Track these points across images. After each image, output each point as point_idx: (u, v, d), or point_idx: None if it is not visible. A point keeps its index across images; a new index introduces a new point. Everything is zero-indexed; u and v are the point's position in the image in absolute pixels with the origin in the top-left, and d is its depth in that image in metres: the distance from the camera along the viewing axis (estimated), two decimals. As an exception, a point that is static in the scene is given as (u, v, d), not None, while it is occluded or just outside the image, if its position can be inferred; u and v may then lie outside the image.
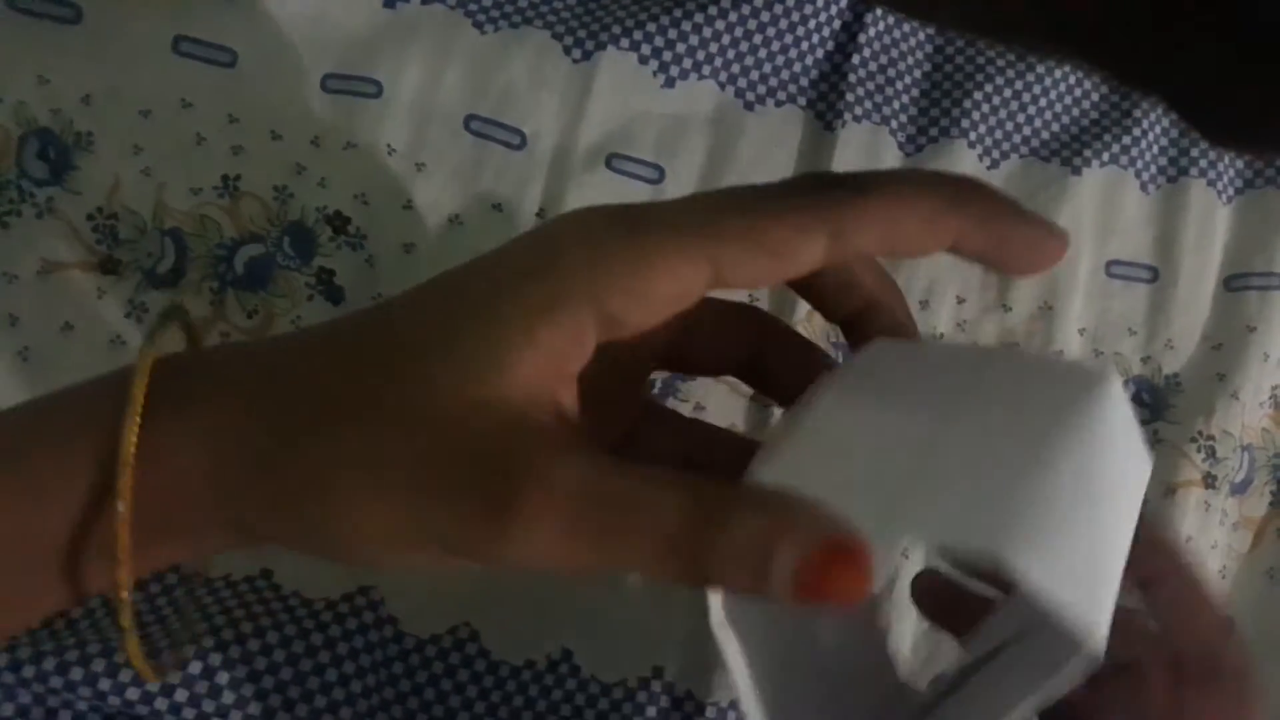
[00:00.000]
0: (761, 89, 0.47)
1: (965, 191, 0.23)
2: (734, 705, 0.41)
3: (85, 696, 0.34)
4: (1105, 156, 0.48)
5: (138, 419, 0.23)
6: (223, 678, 0.35)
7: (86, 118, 0.40)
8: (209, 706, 0.35)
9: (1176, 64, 0.17)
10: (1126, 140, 0.48)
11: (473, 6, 0.44)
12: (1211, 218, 0.48)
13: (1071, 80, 0.49)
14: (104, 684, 0.34)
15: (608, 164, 0.44)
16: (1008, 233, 0.23)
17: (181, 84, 0.41)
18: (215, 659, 0.35)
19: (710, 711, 0.41)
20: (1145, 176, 0.49)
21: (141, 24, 0.41)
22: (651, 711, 0.41)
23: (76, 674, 0.34)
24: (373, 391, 0.23)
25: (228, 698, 0.35)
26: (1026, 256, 0.24)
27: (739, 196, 0.23)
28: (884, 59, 0.48)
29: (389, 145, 0.42)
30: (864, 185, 0.23)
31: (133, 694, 0.34)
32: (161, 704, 0.35)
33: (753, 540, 0.20)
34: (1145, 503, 0.25)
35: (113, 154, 0.40)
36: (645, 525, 0.21)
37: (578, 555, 0.21)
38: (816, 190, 0.23)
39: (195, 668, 0.35)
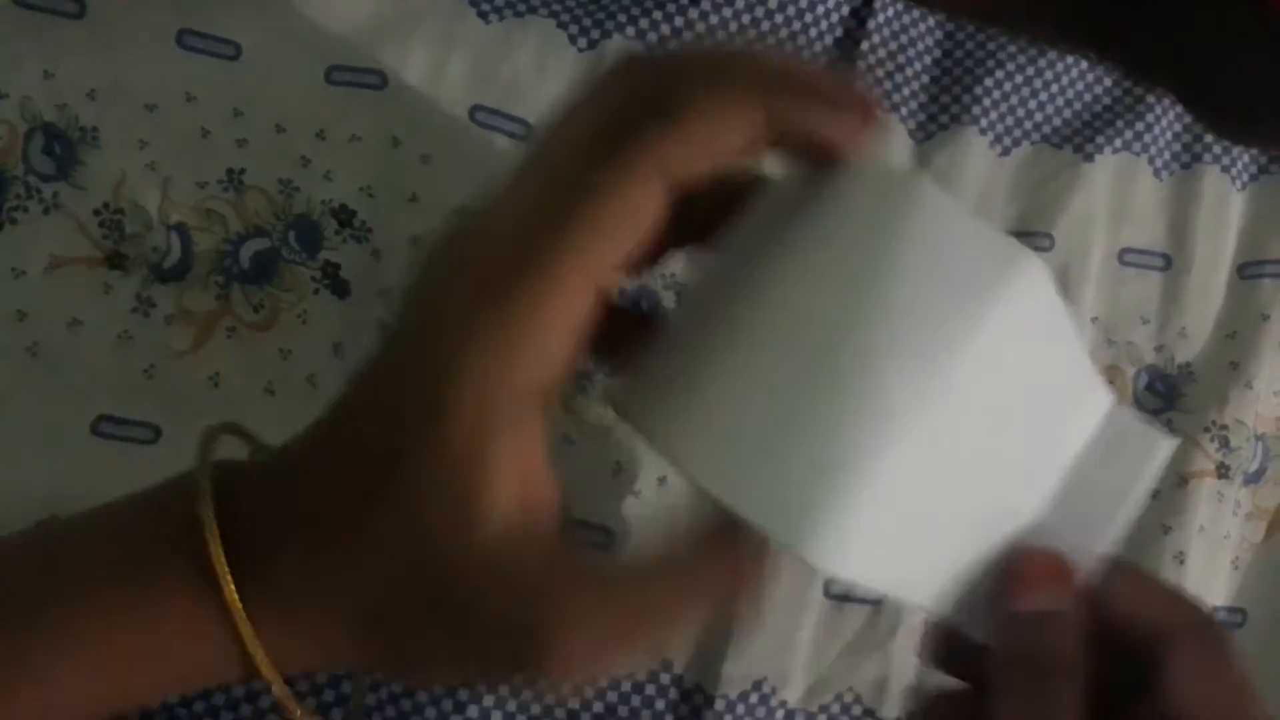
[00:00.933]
0: (770, 78, 0.46)
1: (779, 90, 0.23)
2: (743, 698, 0.41)
3: None
4: (1118, 143, 0.47)
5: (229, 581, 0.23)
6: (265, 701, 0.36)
7: (92, 112, 0.40)
8: None
9: (1182, 59, 0.17)
10: (1140, 126, 0.47)
11: (477, -5, 0.43)
12: (1225, 205, 0.48)
13: (1083, 66, 0.48)
14: None
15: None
16: (823, 131, 0.24)
17: (186, 77, 0.41)
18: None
19: (719, 704, 0.41)
20: (1159, 163, 0.48)
21: (145, 18, 0.41)
22: (660, 704, 0.41)
23: None
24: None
25: None
26: (841, 147, 0.24)
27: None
28: (893, 45, 0.47)
29: (394, 137, 0.42)
30: (676, 103, 0.23)
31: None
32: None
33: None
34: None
35: (118, 149, 0.40)
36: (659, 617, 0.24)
37: (611, 664, 0.24)
38: (630, 125, 0.23)
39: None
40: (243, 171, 0.41)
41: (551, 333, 0.22)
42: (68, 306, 0.39)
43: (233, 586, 0.23)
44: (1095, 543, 0.27)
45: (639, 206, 0.22)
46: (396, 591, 0.23)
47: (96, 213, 0.40)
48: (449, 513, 0.22)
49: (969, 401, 0.24)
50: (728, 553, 0.24)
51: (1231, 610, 0.46)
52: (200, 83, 0.41)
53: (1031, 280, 0.24)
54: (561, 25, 0.44)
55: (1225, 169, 0.48)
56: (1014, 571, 0.26)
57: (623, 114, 0.23)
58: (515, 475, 0.22)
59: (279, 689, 0.24)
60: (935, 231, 0.23)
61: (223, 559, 0.23)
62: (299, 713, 0.25)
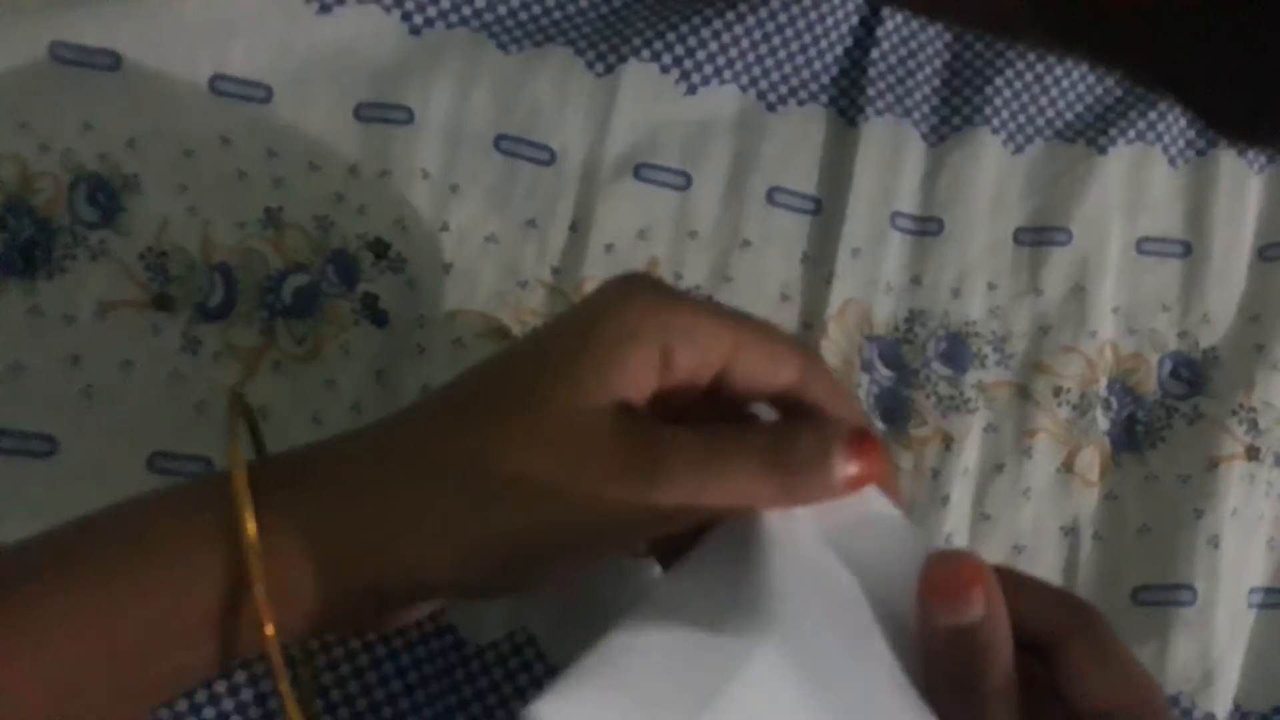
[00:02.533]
0: (783, 89, 0.47)
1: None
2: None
3: None
4: (1131, 134, 0.48)
5: (249, 507, 0.28)
6: (266, 685, 0.37)
7: (132, 160, 0.42)
8: (258, 711, 0.36)
9: (1183, 66, 0.18)
10: (1152, 115, 0.48)
11: (496, 28, 0.45)
12: (1243, 188, 0.48)
13: (1088, 67, 0.49)
14: None
15: (635, 174, 0.45)
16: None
17: (220, 122, 0.42)
18: (260, 668, 0.37)
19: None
20: (1173, 151, 0.49)
21: (178, 67, 0.42)
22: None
23: None
24: (502, 414, 0.29)
25: (273, 703, 0.36)
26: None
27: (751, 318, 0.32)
28: (903, 51, 0.48)
29: (423, 170, 0.43)
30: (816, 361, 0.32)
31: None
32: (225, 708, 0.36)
33: (816, 440, 0.29)
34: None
35: (159, 194, 0.42)
36: (744, 447, 0.29)
37: (704, 490, 0.28)
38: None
39: (268, 685, 0.36)
40: (280, 210, 0.42)
41: (695, 346, 0.30)
42: (118, 349, 0.40)
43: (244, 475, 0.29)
44: None
45: (781, 366, 0.32)
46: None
47: (141, 257, 0.41)
48: (574, 380, 0.29)
49: None
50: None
51: (1270, 591, 0.46)
52: (234, 126, 0.42)
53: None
54: (579, 52, 0.45)
55: (1241, 152, 0.48)
56: (933, 582, 0.29)
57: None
58: (636, 376, 0.29)
59: (259, 589, 0.27)
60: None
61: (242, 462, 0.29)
62: (270, 629, 0.28)
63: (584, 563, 0.32)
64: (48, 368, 0.40)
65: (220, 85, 0.43)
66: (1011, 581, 0.31)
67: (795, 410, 0.32)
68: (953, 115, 0.48)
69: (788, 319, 0.46)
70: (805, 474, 0.29)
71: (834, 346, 0.45)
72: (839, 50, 0.48)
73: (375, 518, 0.29)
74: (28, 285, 0.40)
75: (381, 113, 0.43)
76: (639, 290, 0.30)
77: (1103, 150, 0.48)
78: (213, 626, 0.28)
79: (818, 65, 0.48)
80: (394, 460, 0.30)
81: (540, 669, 0.41)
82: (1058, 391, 0.46)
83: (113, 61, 0.42)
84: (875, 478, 0.30)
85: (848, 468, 0.29)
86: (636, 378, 0.29)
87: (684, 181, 0.46)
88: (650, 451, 0.28)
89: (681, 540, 0.31)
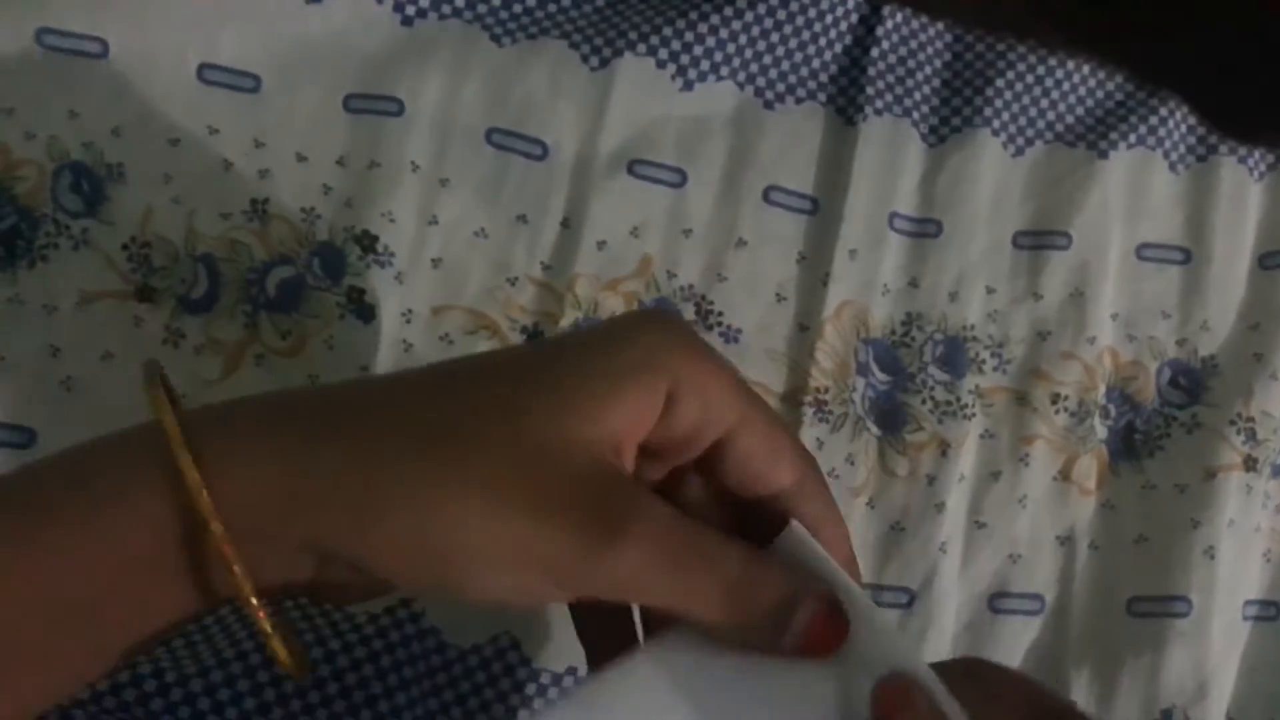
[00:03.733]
0: (781, 87, 0.47)
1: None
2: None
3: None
4: (1132, 138, 0.47)
5: (185, 448, 0.24)
6: (269, 694, 0.36)
7: (117, 149, 0.41)
8: (249, 704, 0.36)
9: (1181, 67, 0.17)
10: (1154, 120, 0.48)
11: (490, 20, 0.44)
12: (1244, 195, 0.48)
13: (1090, 67, 0.48)
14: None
15: (629, 170, 0.44)
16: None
17: (207, 111, 0.42)
18: (263, 675, 0.36)
19: None
20: (1174, 156, 0.48)
21: (168, 55, 0.42)
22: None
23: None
24: (473, 418, 0.25)
25: (275, 714, 0.36)
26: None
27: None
28: (903, 50, 0.48)
29: (413, 162, 0.42)
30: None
31: (184, 713, 0.35)
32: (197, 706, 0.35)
33: (783, 597, 0.26)
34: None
35: (144, 183, 0.41)
36: (715, 569, 0.25)
37: (659, 587, 0.25)
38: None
39: (244, 685, 0.36)
40: (266, 201, 0.42)
41: (700, 392, 0.26)
42: (100, 340, 0.40)
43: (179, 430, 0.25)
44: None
45: (779, 461, 0.28)
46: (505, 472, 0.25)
47: (124, 247, 0.40)
48: (564, 401, 0.25)
49: None
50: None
51: (1265, 604, 0.46)
52: (221, 116, 0.42)
53: None
54: (573, 45, 0.44)
55: (1242, 159, 0.48)
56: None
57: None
58: (634, 412, 0.26)
59: (217, 528, 0.24)
60: None
61: (171, 416, 0.25)
62: (237, 570, 0.25)
63: (509, 599, 0.27)
64: (27, 358, 0.39)
65: (208, 75, 0.42)
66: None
67: (777, 519, 0.29)
68: (953, 115, 0.47)
69: (783, 320, 0.45)
70: (760, 630, 0.26)
71: (829, 349, 0.45)
72: (838, 48, 0.47)
73: (316, 471, 0.25)
74: (9, 274, 0.39)
75: (371, 104, 0.43)
76: (665, 326, 0.27)
77: (1104, 154, 0.47)
78: (169, 566, 0.25)
79: (816, 63, 0.47)
80: (352, 425, 0.26)
81: (524, 673, 0.40)
82: (1055, 399, 0.46)
83: (100, 49, 0.41)
84: (827, 654, 0.26)
85: (805, 638, 0.26)
86: (635, 413, 0.26)
87: (679, 179, 0.45)
88: (621, 511, 0.25)
89: (601, 613, 0.29)
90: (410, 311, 0.42)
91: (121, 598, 0.26)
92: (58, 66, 0.41)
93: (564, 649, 0.41)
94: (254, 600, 0.24)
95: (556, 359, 0.27)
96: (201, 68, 0.42)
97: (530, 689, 0.40)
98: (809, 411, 0.44)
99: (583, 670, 0.40)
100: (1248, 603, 0.45)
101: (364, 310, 0.42)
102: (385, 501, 0.24)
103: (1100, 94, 0.48)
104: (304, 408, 0.26)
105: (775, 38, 0.46)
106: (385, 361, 0.41)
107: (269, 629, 0.25)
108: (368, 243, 0.42)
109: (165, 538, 0.25)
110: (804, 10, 0.46)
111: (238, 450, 0.25)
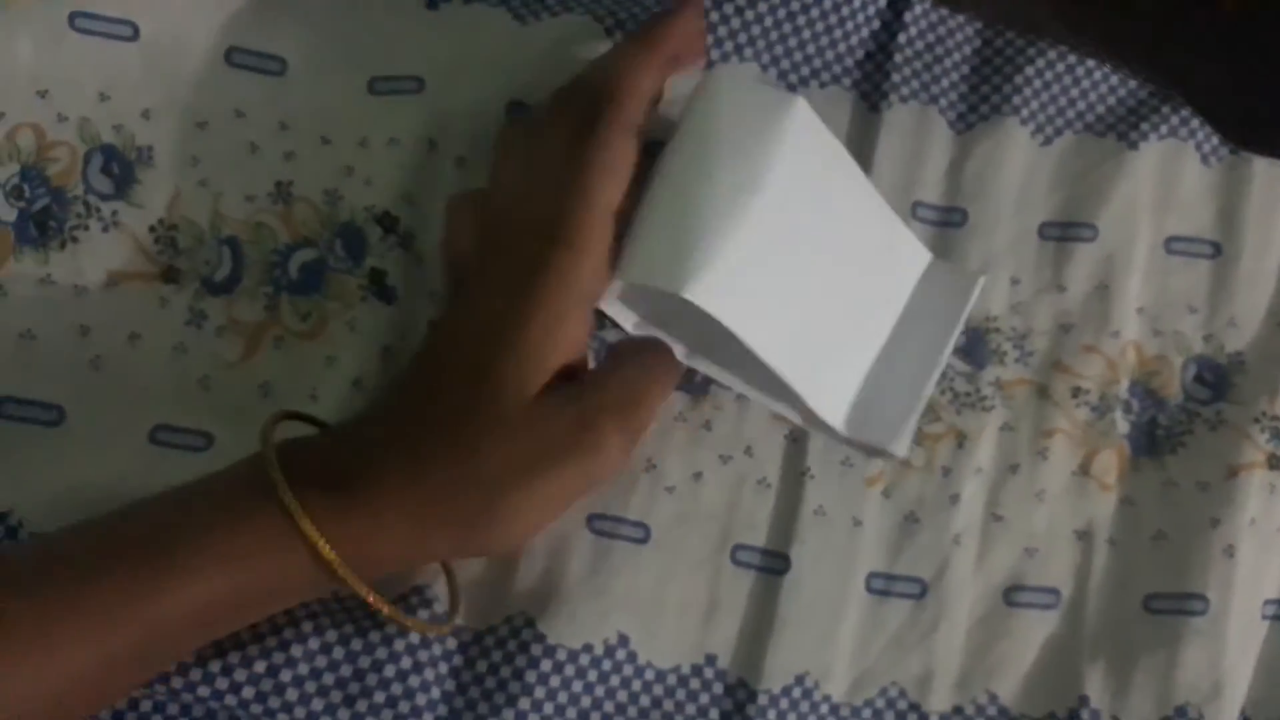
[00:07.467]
0: (805, 70, 0.46)
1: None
2: (786, 692, 0.42)
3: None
4: (1163, 129, 0.47)
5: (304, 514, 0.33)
6: (285, 675, 0.37)
7: (147, 131, 0.42)
8: (274, 703, 0.37)
9: (1189, 74, 0.17)
10: (1185, 111, 0.47)
11: (514, 1, 0.44)
12: (1276, 189, 0.47)
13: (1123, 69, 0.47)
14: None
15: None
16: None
17: (235, 94, 0.42)
18: (279, 658, 0.37)
19: (762, 699, 0.41)
20: (1206, 149, 0.47)
21: (196, 38, 0.42)
22: (704, 698, 0.42)
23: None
24: (462, 413, 0.36)
25: (291, 694, 0.37)
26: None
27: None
28: (931, 37, 0.47)
29: (430, 140, 0.43)
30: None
31: (204, 691, 0.36)
32: (231, 700, 0.36)
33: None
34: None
35: (172, 166, 0.42)
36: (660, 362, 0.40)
37: (640, 428, 0.38)
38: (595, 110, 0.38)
39: (259, 666, 0.37)
40: (290, 183, 0.42)
41: (594, 254, 0.36)
42: (127, 321, 0.41)
43: (303, 513, 0.33)
44: (924, 379, 0.42)
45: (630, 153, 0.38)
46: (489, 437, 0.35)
47: (152, 229, 0.41)
48: (533, 366, 0.36)
49: (788, 197, 0.38)
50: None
51: (1286, 604, 0.45)
52: (248, 98, 0.42)
53: (796, 117, 0.39)
54: (597, 19, 0.44)
55: (1276, 153, 0.47)
56: None
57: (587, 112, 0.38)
58: (571, 343, 0.37)
59: (349, 577, 0.34)
60: (734, 107, 0.39)
61: (289, 491, 0.33)
62: (370, 596, 0.35)
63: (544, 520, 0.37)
64: (57, 337, 0.40)
65: (236, 57, 0.42)
66: None
67: None
68: (980, 104, 0.47)
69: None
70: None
71: (849, 338, 0.44)
72: (864, 33, 0.47)
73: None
74: (41, 254, 0.40)
75: (394, 85, 0.43)
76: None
77: (1134, 145, 0.46)
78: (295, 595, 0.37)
79: (842, 47, 0.46)
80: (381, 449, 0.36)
81: (539, 650, 0.41)
82: (1077, 392, 0.45)
83: (131, 32, 0.42)
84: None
85: None
86: (575, 341, 0.37)
87: (700, 163, 0.45)
88: (590, 427, 0.36)
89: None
90: (433, 293, 0.42)
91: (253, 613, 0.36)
92: (90, 49, 0.41)
93: (582, 630, 0.41)
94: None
95: (500, 337, 0.36)
96: (229, 51, 0.42)
97: (546, 665, 0.41)
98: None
99: (598, 648, 0.41)
100: (1267, 602, 0.44)
101: (385, 292, 0.42)
102: (458, 498, 0.36)
103: (1132, 83, 0.47)
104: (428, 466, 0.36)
105: (801, 20, 0.46)
106: (408, 342, 0.42)
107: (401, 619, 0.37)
108: (389, 223, 0.42)
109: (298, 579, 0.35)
110: (830, -6, 0.46)
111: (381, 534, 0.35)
